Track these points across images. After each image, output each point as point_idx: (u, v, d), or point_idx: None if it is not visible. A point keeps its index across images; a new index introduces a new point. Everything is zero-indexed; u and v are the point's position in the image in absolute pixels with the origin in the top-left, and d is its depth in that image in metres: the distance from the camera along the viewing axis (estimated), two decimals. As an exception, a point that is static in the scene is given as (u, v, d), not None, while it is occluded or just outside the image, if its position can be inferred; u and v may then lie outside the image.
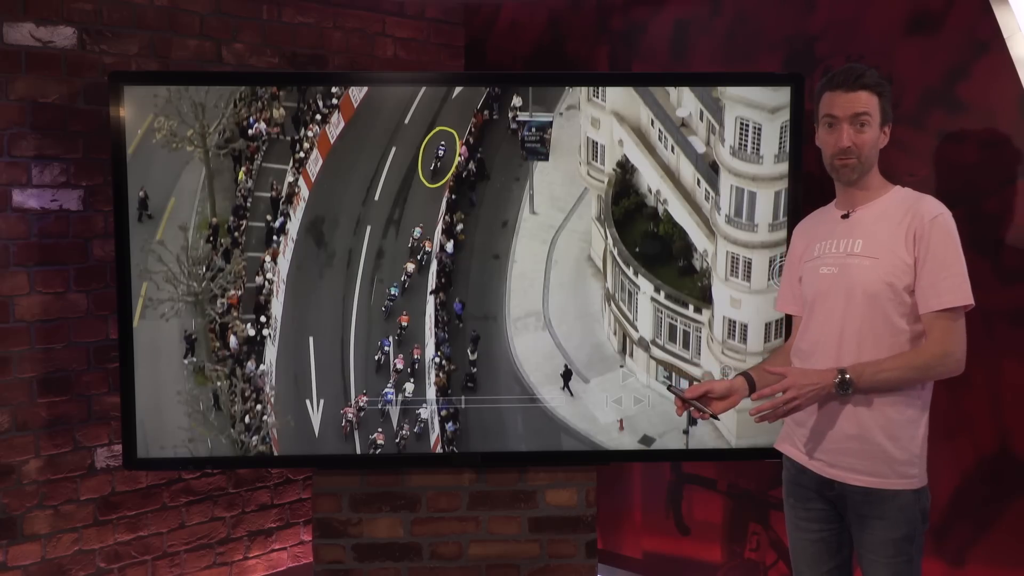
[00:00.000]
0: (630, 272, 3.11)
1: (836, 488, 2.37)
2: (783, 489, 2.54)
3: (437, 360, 3.14)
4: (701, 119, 3.05)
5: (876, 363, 2.25)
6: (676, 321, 3.12)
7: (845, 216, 2.39)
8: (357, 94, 3.08)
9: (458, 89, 3.09)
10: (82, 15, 3.21)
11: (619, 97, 3.07)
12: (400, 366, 3.13)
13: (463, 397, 3.15)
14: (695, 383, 2.52)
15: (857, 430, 2.30)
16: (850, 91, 2.32)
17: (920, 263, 2.25)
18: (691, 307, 3.11)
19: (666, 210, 3.09)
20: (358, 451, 3.14)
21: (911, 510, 2.30)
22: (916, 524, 2.31)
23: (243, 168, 3.06)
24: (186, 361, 3.09)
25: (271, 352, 3.11)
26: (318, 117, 3.08)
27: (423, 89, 3.08)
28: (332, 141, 3.09)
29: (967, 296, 2.25)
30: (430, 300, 3.12)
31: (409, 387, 3.14)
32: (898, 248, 2.27)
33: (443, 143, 3.09)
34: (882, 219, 2.32)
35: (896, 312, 2.27)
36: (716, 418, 2.41)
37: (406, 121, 3.08)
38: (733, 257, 3.07)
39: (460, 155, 3.09)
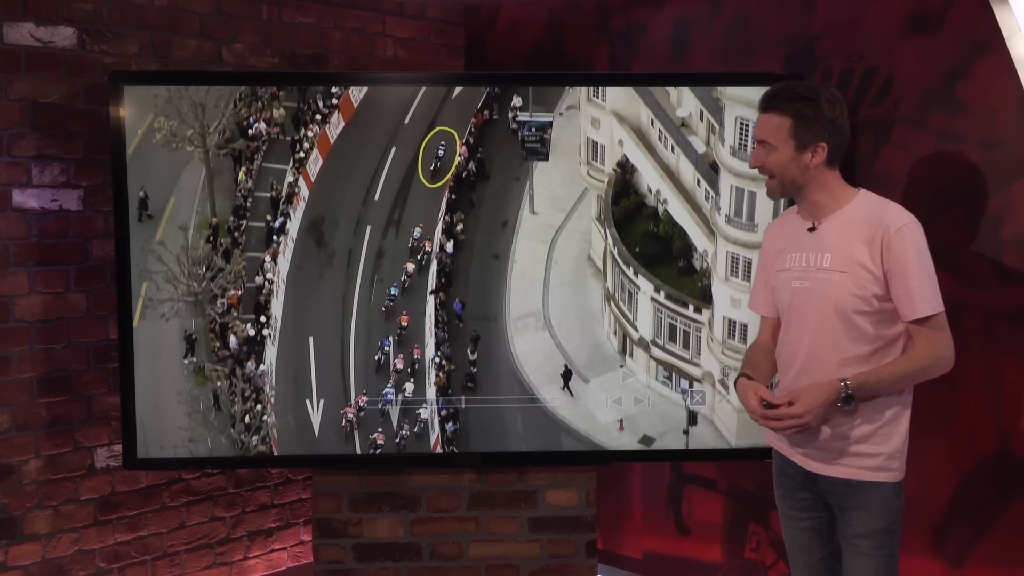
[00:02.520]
0: (630, 272, 3.11)
1: (820, 481, 2.40)
2: (774, 480, 2.57)
3: (437, 360, 3.13)
4: (701, 119, 3.05)
5: (876, 372, 2.28)
6: (676, 321, 3.12)
7: (812, 229, 2.38)
8: (357, 94, 3.08)
9: (458, 89, 3.08)
10: (82, 15, 3.21)
11: (619, 97, 3.07)
12: (400, 366, 3.13)
13: (463, 397, 3.15)
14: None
15: (839, 428, 2.33)
16: (761, 112, 2.36)
17: (891, 274, 2.26)
18: (691, 307, 3.11)
19: (666, 210, 3.09)
20: (358, 451, 3.14)
21: (892, 502, 2.34)
22: (896, 517, 2.35)
23: (243, 168, 3.06)
24: (186, 361, 3.09)
25: (271, 352, 3.11)
26: (318, 117, 3.08)
27: (423, 89, 3.08)
28: (332, 141, 3.09)
29: (939, 303, 2.27)
30: (430, 300, 3.12)
31: (409, 387, 3.14)
32: (865, 260, 2.28)
33: (443, 143, 3.09)
34: (848, 231, 2.32)
35: (867, 321, 2.29)
36: None
37: (406, 121, 3.08)
38: (733, 257, 3.07)
39: (460, 155, 3.09)
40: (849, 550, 2.38)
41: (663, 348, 3.14)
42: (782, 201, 3.02)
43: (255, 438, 3.13)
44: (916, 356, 2.29)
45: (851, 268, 2.29)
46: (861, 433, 2.32)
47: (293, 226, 3.10)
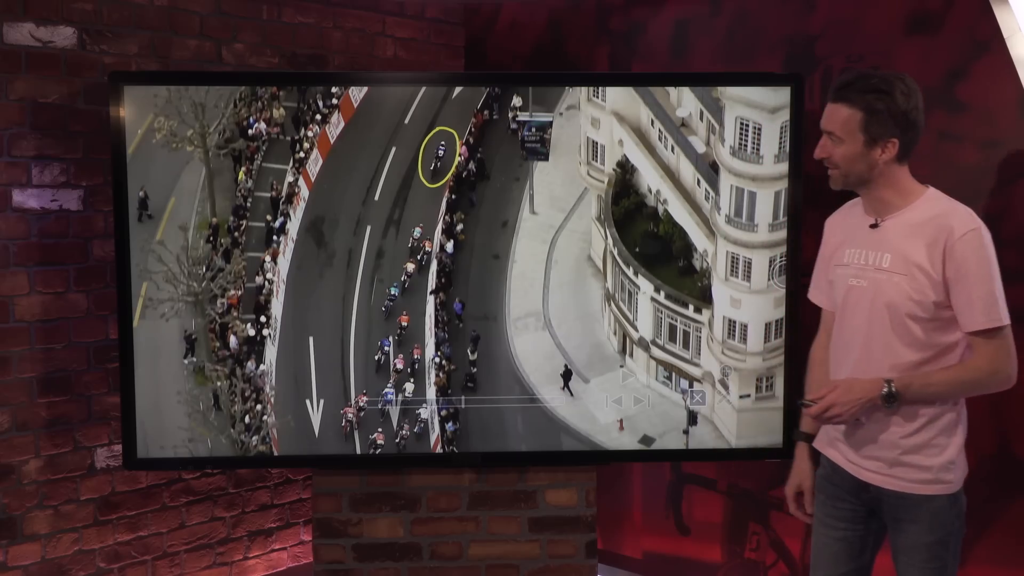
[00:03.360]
0: (630, 272, 3.11)
1: (872, 491, 2.35)
2: (816, 483, 2.52)
3: (437, 360, 3.13)
4: (701, 119, 3.05)
5: (924, 376, 2.22)
6: (676, 321, 3.12)
7: (874, 225, 2.31)
8: (357, 94, 3.08)
9: (458, 89, 3.08)
10: (82, 15, 3.21)
11: (619, 97, 3.07)
12: (400, 366, 3.13)
13: (463, 397, 3.15)
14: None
15: (894, 436, 2.28)
16: (830, 102, 2.28)
17: (952, 282, 2.18)
18: (691, 307, 3.11)
19: (666, 210, 3.09)
20: (358, 451, 3.14)
21: (946, 514, 2.28)
22: (951, 529, 2.29)
23: (243, 168, 3.06)
24: (186, 361, 3.09)
25: (271, 352, 3.11)
26: (318, 117, 3.08)
27: (423, 89, 3.07)
28: (332, 141, 3.09)
29: (1001, 316, 2.18)
30: (430, 300, 3.12)
31: (409, 387, 3.14)
32: (924, 263, 2.20)
33: (443, 143, 3.09)
34: (911, 233, 2.24)
35: (921, 327, 2.23)
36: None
37: (406, 121, 3.08)
38: (733, 257, 3.07)
39: (460, 155, 3.09)
40: (901, 561, 2.33)
41: (663, 348, 3.14)
42: (782, 201, 3.03)
43: (255, 438, 3.13)
44: (971, 367, 2.22)
45: (910, 271, 2.20)
46: (914, 443, 2.26)
47: (293, 226, 3.10)
